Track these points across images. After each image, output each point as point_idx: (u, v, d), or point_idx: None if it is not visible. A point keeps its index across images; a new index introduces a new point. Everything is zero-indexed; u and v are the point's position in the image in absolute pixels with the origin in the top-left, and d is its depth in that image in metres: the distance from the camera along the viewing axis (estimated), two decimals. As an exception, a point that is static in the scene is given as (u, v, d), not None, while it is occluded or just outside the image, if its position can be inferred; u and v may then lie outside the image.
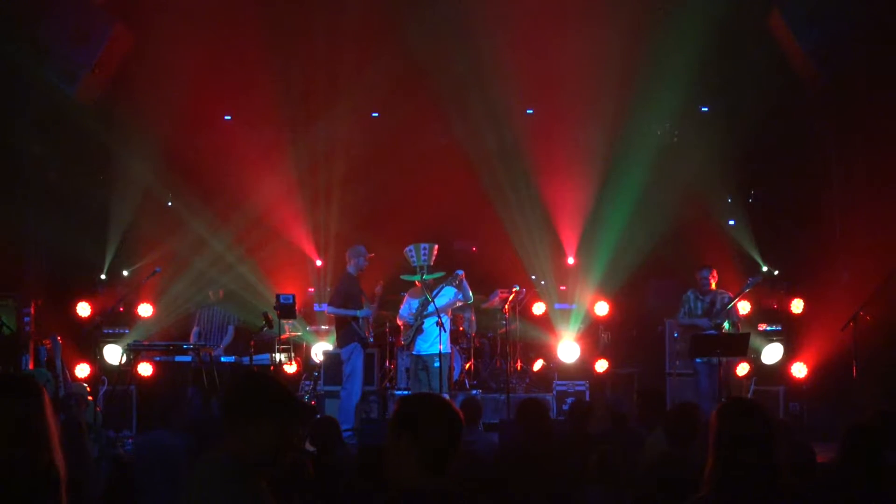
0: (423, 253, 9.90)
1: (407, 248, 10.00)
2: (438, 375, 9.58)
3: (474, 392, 10.58)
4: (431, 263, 9.95)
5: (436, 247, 10.05)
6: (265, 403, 3.03)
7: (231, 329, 10.81)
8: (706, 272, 10.08)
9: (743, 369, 10.54)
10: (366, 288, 10.35)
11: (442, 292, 9.81)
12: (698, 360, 9.80)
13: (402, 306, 10.32)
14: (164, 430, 7.60)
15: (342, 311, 10.04)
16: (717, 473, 3.19)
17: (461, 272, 9.81)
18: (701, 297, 10.12)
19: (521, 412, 6.28)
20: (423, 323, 9.88)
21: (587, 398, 10.75)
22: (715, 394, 9.31)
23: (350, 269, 10.26)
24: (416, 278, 9.99)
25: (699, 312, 10.08)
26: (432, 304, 9.64)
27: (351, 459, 6.04)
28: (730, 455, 3.18)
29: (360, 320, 10.05)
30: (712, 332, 9.82)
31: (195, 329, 10.82)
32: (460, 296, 9.96)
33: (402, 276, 10.36)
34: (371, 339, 10.38)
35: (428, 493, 2.77)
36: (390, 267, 10.90)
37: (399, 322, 10.38)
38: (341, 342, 10.23)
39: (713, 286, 10.07)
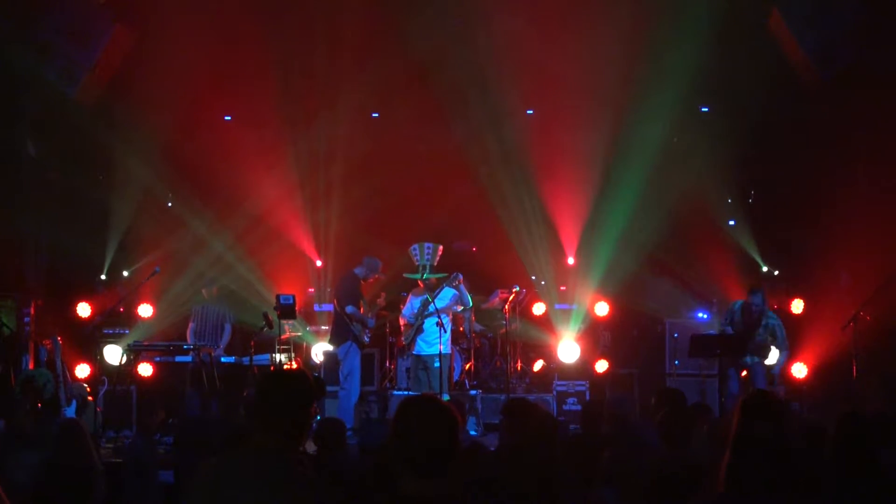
0: (426, 252, 9.92)
1: (412, 247, 10.04)
2: (438, 376, 9.58)
3: (473, 392, 10.58)
4: (435, 263, 9.96)
5: (440, 247, 10.07)
6: (299, 395, 3.16)
7: (228, 327, 10.81)
8: (759, 298, 9.97)
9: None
10: (366, 293, 10.40)
11: (441, 294, 9.82)
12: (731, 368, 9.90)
13: (404, 306, 10.33)
14: (140, 433, 7.60)
15: (362, 317, 10.09)
16: (733, 469, 3.13)
17: (460, 275, 9.81)
18: (744, 314, 10.02)
19: (504, 412, 6.17)
20: (423, 323, 9.89)
21: (587, 398, 10.75)
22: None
23: (357, 271, 10.28)
24: (418, 277, 10.01)
25: (738, 319, 10.04)
26: (433, 304, 9.64)
27: (351, 460, 6.02)
28: (748, 450, 3.12)
29: (356, 324, 10.08)
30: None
31: (191, 325, 10.83)
32: (459, 299, 9.96)
33: (406, 274, 10.37)
34: (367, 340, 10.39)
35: (426, 498, 2.76)
36: (390, 267, 10.90)
37: (401, 321, 10.39)
38: (336, 340, 10.25)
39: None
